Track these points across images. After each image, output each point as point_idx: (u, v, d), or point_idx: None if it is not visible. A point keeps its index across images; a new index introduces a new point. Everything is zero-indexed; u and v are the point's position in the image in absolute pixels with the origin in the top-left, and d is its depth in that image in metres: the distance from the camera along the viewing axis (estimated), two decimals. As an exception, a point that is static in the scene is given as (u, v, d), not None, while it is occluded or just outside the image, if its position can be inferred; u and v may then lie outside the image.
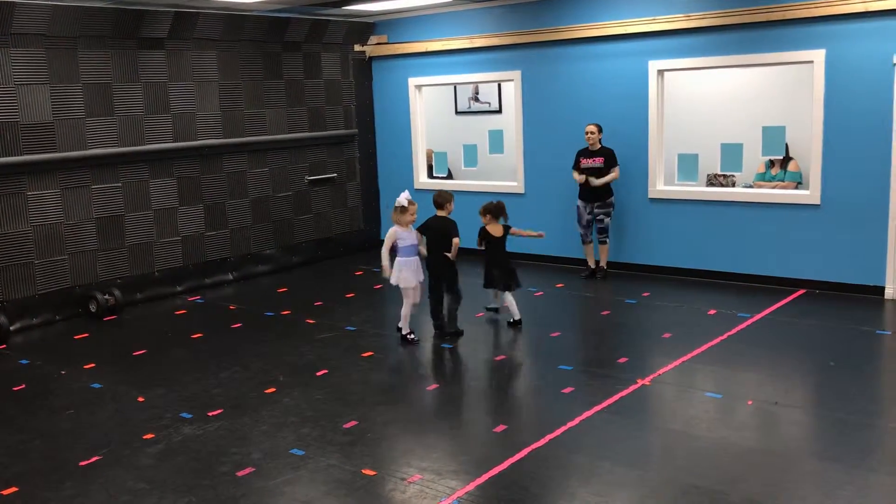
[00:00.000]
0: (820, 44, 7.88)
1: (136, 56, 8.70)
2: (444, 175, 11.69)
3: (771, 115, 9.27)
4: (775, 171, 9.62)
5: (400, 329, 7.21)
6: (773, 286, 8.42)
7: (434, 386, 6.30)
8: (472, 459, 4.90)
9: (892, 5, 7.39)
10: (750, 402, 5.57)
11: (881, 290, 7.90)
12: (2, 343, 7.55)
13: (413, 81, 10.81)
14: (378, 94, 11.28)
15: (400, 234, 7.06)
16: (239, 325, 7.96)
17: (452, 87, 12.30)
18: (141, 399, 6.06)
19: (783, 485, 4.44)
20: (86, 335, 7.83)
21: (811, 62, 7.95)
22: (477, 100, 12.48)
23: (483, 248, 7.52)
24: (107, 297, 8.38)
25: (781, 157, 9.45)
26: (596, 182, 8.86)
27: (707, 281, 8.86)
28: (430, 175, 11.43)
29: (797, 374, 6.35)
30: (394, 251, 7.13)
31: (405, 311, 7.15)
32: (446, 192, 7.42)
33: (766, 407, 5.50)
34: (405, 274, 7.07)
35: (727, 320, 7.43)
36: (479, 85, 12.18)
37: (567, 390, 5.91)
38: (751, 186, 9.65)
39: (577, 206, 9.17)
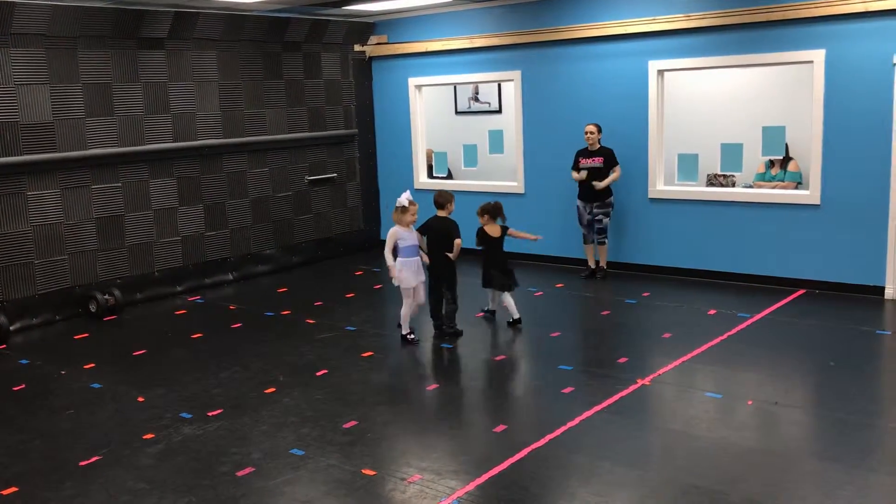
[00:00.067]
0: (820, 44, 7.88)
1: (136, 56, 8.70)
2: (444, 175, 11.70)
3: (771, 115, 9.27)
4: (775, 171, 9.62)
5: (400, 326, 7.21)
6: (773, 286, 8.42)
7: (434, 386, 6.30)
8: (472, 459, 4.90)
9: (892, 5, 7.39)
10: (750, 402, 5.57)
11: (881, 290, 7.90)
12: (2, 343, 7.55)
13: (413, 81, 10.81)
14: (378, 94, 11.28)
15: (401, 235, 7.06)
16: (239, 325, 7.96)
17: (452, 87, 12.30)
18: (141, 399, 6.06)
19: (783, 485, 4.44)
20: (86, 335, 7.83)
21: (811, 62, 7.95)
22: (477, 100, 12.48)
23: (481, 248, 7.52)
24: (107, 297, 8.38)
25: (781, 157, 9.45)
26: (600, 185, 8.85)
27: (707, 281, 8.86)
28: (430, 175, 11.43)
29: (797, 374, 6.35)
30: (395, 251, 7.12)
31: (405, 311, 7.15)
32: (447, 192, 7.42)
33: (766, 407, 5.50)
34: (405, 275, 7.06)
35: (727, 320, 7.43)
36: (479, 85, 12.19)
37: (567, 390, 5.91)
38: (751, 186, 9.65)
39: (577, 207, 9.18)
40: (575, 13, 9.26)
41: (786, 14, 7.92)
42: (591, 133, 8.88)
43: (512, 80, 10.01)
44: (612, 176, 8.89)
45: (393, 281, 7.11)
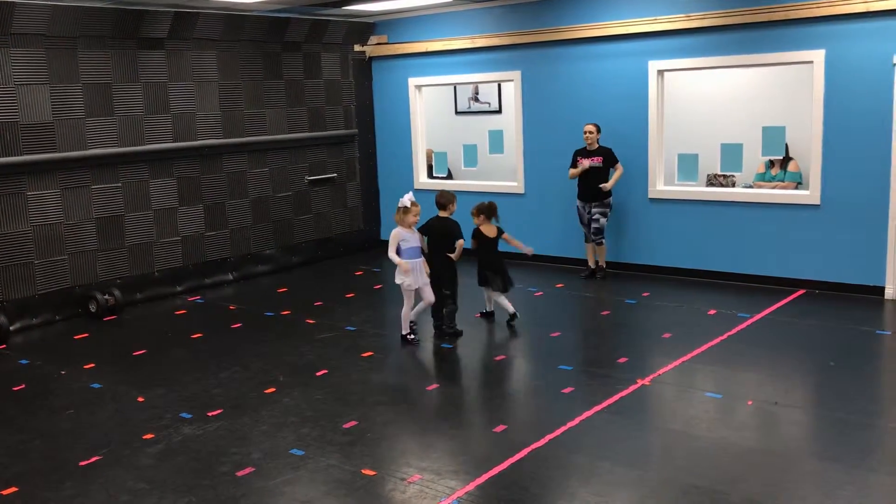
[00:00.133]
0: (820, 44, 7.88)
1: (136, 56, 8.70)
2: (444, 175, 11.70)
3: (771, 115, 9.27)
4: (775, 171, 9.62)
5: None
6: (772, 286, 8.42)
7: (434, 386, 6.30)
8: (472, 459, 4.90)
9: (892, 5, 7.39)
10: (750, 402, 5.57)
11: (881, 290, 7.90)
12: (2, 343, 7.55)
13: (413, 81, 10.81)
14: (378, 95, 11.28)
15: (403, 236, 7.04)
16: (239, 325, 7.95)
17: (452, 87, 12.30)
18: (141, 399, 6.06)
19: (783, 485, 4.44)
20: (86, 335, 7.83)
21: (811, 62, 7.95)
22: (477, 100, 12.48)
23: (475, 248, 7.51)
24: (107, 297, 8.38)
25: (781, 158, 9.45)
26: (608, 186, 8.84)
27: (707, 281, 8.85)
28: (430, 175, 11.43)
29: (797, 374, 6.35)
30: (398, 252, 7.10)
31: (405, 311, 7.14)
32: (449, 192, 7.41)
33: (766, 407, 5.50)
34: (406, 275, 7.05)
35: (727, 320, 7.43)
36: (479, 85, 12.18)
37: (567, 390, 5.91)
38: (751, 186, 9.65)
39: (577, 207, 9.18)
40: (575, 13, 9.26)
41: (786, 14, 7.92)
42: (591, 133, 8.88)
43: (512, 80, 10.01)
44: (617, 174, 8.89)
45: (396, 280, 7.10)
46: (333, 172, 10.90)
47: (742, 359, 6.51)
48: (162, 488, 4.65)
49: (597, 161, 8.89)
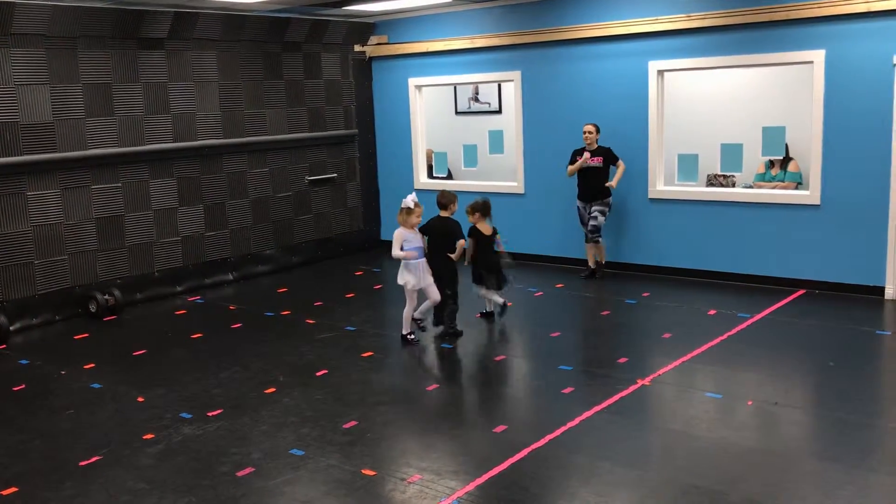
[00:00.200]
0: (820, 44, 7.88)
1: (136, 56, 8.70)
2: (444, 175, 11.70)
3: (771, 115, 9.27)
4: (775, 171, 9.62)
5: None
6: (772, 286, 8.42)
7: (434, 386, 6.30)
8: (472, 459, 4.90)
9: (892, 5, 7.39)
10: (750, 402, 5.57)
11: (881, 290, 7.90)
12: (2, 343, 7.55)
13: (413, 81, 10.81)
14: (378, 95, 11.28)
15: (406, 236, 7.04)
16: (239, 325, 7.95)
17: (452, 87, 12.30)
18: (141, 399, 6.06)
19: (783, 485, 4.44)
20: (86, 335, 7.83)
21: (811, 62, 7.95)
22: (477, 100, 12.48)
23: (472, 246, 7.51)
24: (107, 297, 8.38)
25: (781, 158, 9.45)
26: (613, 184, 8.84)
27: (707, 281, 8.85)
28: (430, 175, 11.44)
29: (797, 374, 6.35)
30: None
31: (407, 312, 7.14)
32: (450, 192, 7.41)
33: (766, 407, 5.50)
34: (409, 276, 7.05)
35: (727, 320, 7.43)
36: (479, 85, 12.18)
37: (567, 390, 5.91)
38: (751, 187, 9.65)
39: (577, 207, 9.17)
40: (575, 13, 9.26)
41: (786, 14, 7.92)
42: (590, 133, 8.88)
43: (512, 80, 10.01)
44: (620, 171, 8.88)
45: (399, 281, 7.09)
46: (333, 172, 10.90)
47: (742, 359, 6.51)
48: (162, 488, 4.65)
49: (597, 161, 8.89)
